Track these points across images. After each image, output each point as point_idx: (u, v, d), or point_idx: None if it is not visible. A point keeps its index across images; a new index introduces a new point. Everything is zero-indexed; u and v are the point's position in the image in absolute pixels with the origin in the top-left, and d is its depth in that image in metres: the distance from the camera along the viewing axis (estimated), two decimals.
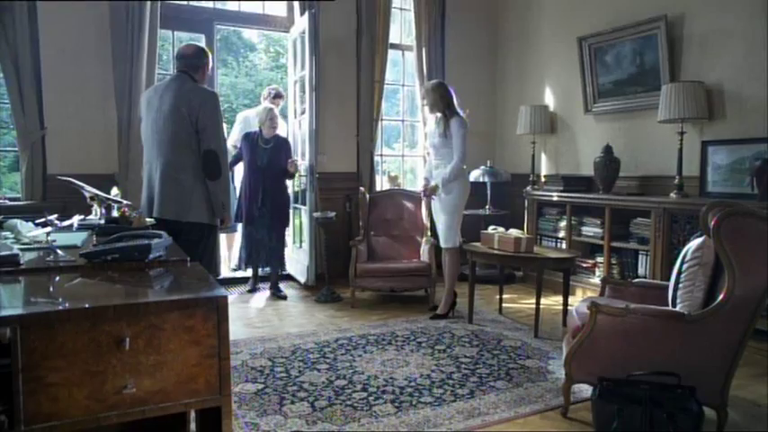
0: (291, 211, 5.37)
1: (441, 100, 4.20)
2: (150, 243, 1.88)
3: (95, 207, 3.05)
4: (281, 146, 4.94)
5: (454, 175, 4.15)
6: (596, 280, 4.70)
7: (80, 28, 4.50)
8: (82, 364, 1.33)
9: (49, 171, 4.43)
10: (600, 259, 4.72)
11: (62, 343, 1.31)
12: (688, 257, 2.54)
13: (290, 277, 5.47)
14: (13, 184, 6.72)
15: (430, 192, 4.28)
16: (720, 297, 2.35)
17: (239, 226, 5.16)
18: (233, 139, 5.37)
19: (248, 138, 4.93)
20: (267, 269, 5.11)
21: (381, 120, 5.74)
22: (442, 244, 4.30)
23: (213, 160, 3.01)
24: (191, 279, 1.75)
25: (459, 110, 4.23)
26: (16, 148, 4.44)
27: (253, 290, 5.09)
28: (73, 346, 1.32)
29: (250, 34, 14.36)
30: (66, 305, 1.38)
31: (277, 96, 5.33)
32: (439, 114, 4.25)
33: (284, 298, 4.88)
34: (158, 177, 3.13)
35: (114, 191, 3.25)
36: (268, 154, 4.85)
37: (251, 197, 4.85)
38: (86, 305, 1.36)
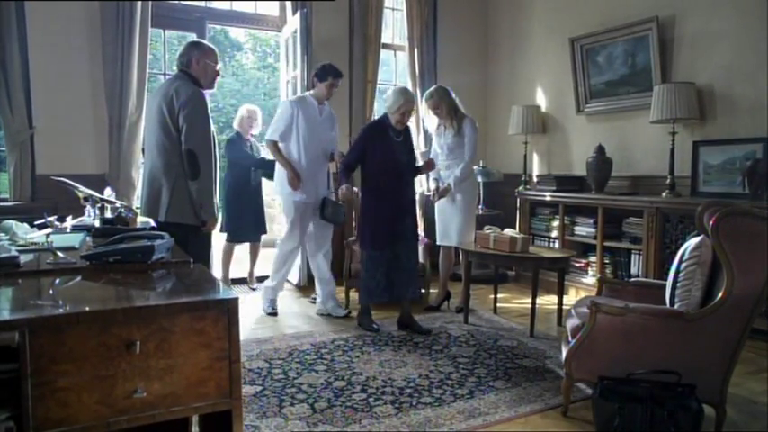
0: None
1: (452, 103, 4.33)
2: (153, 244, 1.85)
3: (89, 208, 3.01)
4: (409, 136, 4.01)
5: (466, 174, 4.31)
6: (589, 279, 4.74)
7: (69, 26, 4.43)
8: (91, 368, 1.31)
9: (37, 171, 4.36)
10: (593, 259, 4.75)
11: (71, 347, 1.29)
12: (686, 256, 2.57)
13: None
14: None
15: (443, 192, 4.34)
16: (719, 296, 2.37)
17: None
18: (278, 131, 4.15)
19: (377, 129, 3.88)
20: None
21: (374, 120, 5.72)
22: (456, 243, 4.38)
23: (191, 160, 2.93)
24: (196, 281, 1.73)
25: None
26: (3, 148, 4.35)
27: (375, 327, 3.94)
28: (82, 350, 1.30)
29: (237, 33, 14.26)
30: (75, 308, 1.35)
31: (337, 76, 4.20)
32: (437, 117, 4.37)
33: (429, 332, 3.85)
34: (146, 177, 3.14)
35: (108, 191, 3.21)
36: (405, 150, 3.90)
37: (392, 209, 3.80)
38: (95, 308, 1.34)
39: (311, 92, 4.26)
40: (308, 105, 4.20)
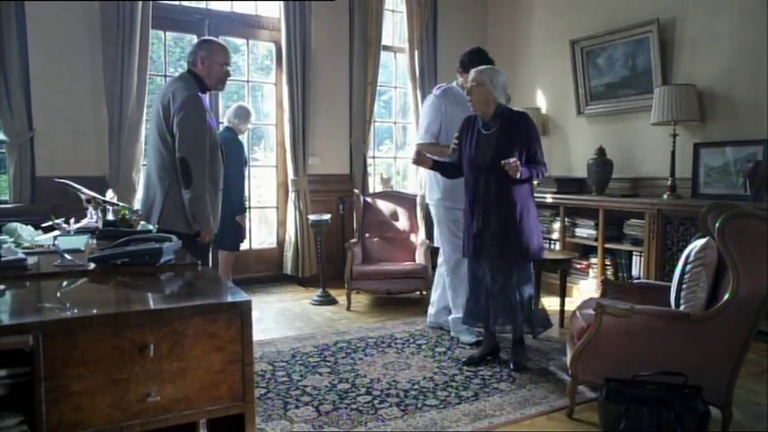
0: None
1: None
2: (161, 247, 1.84)
3: (90, 210, 2.99)
4: (513, 127, 3.15)
5: None
6: (590, 281, 4.74)
7: (69, 27, 4.41)
8: (104, 371, 1.30)
9: (37, 173, 4.34)
10: (594, 260, 4.75)
11: (84, 350, 1.27)
12: (691, 258, 2.57)
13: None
14: None
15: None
16: (725, 298, 2.38)
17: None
18: (430, 130, 3.76)
19: (468, 121, 3.32)
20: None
21: (374, 122, 5.73)
22: None
23: (184, 168, 2.81)
24: (206, 283, 1.72)
25: None
26: (3, 150, 4.33)
27: (481, 357, 3.36)
28: (95, 354, 1.28)
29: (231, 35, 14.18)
30: (88, 311, 1.34)
31: (486, 58, 3.65)
32: None
33: (520, 368, 3.23)
34: (144, 182, 3.07)
35: (110, 193, 3.19)
36: (492, 144, 3.14)
37: (471, 215, 3.23)
38: (109, 311, 1.33)
39: (457, 82, 3.81)
40: (454, 98, 3.71)
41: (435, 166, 3.44)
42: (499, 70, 3.29)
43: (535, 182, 3.34)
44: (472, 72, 3.24)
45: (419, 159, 3.38)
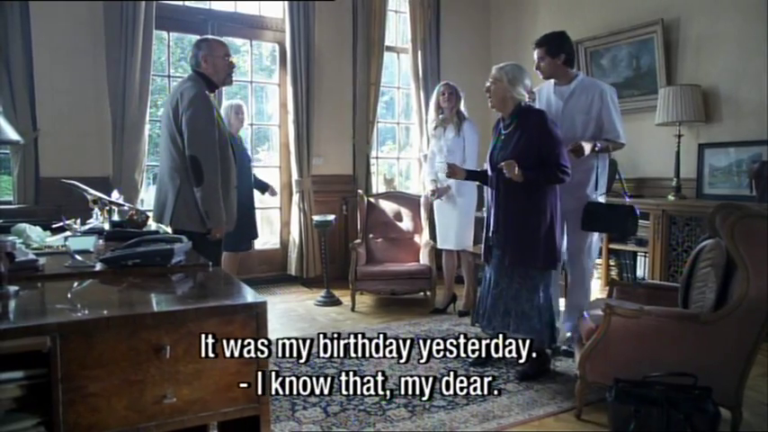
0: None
1: (458, 102, 4.32)
2: (173, 248, 1.83)
3: (96, 211, 2.98)
4: (528, 126, 3.00)
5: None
6: (594, 282, 4.72)
7: (73, 28, 4.41)
8: (121, 373, 1.29)
9: (41, 174, 4.33)
10: (598, 261, 4.74)
11: (101, 352, 1.27)
12: (701, 259, 2.57)
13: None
14: None
15: (442, 193, 4.30)
16: (735, 299, 2.38)
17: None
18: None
19: (498, 123, 3.26)
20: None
21: (377, 122, 5.72)
22: (454, 246, 4.34)
23: (195, 166, 2.83)
24: (219, 284, 1.71)
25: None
26: (7, 151, 4.32)
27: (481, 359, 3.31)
28: (111, 355, 1.28)
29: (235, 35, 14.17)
30: (105, 312, 1.33)
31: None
32: (441, 116, 4.35)
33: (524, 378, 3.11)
34: (157, 183, 3.09)
35: (115, 194, 3.18)
36: (507, 144, 3.06)
37: (488, 216, 3.23)
38: (125, 312, 1.32)
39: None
40: (541, 89, 3.51)
41: (470, 176, 3.45)
42: (521, 68, 3.19)
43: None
44: (492, 68, 3.20)
45: (452, 171, 3.39)
